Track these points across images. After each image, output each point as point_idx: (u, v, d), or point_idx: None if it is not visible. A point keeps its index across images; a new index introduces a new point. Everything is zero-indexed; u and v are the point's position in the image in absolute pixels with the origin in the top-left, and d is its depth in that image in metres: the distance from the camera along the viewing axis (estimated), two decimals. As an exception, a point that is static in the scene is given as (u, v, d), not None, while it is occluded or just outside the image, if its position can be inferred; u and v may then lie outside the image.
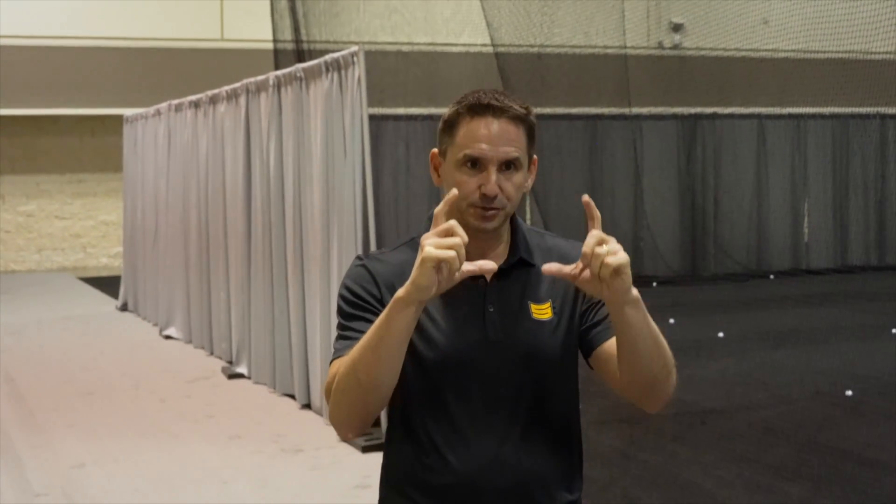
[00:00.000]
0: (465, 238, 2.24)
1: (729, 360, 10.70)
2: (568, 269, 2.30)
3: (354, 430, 2.49)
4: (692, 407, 8.70)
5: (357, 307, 2.52)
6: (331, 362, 2.51)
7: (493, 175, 2.45)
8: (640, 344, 2.37)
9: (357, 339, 2.42)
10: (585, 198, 2.30)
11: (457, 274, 2.25)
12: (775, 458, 7.26)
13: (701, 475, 6.91)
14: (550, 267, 2.31)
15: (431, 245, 2.22)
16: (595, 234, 2.24)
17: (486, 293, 2.54)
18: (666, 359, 2.45)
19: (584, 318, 2.59)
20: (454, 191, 2.31)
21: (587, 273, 2.26)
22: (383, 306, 2.44)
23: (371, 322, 2.41)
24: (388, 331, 2.31)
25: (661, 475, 6.94)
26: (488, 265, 2.29)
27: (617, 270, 2.24)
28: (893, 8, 13.73)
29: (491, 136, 2.45)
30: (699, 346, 11.36)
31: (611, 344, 2.52)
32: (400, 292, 2.28)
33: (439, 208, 2.29)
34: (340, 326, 2.55)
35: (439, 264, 2.22)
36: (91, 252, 23.07)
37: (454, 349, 2.50)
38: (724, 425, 8.19)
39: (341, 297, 2.57)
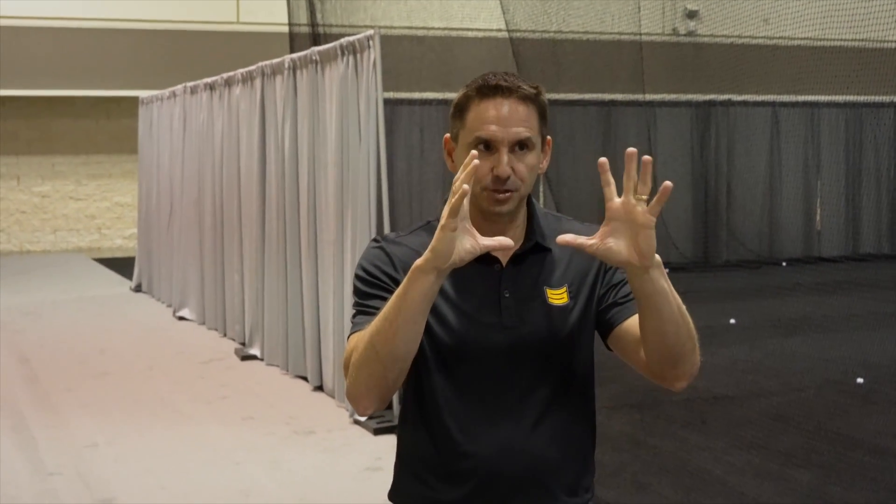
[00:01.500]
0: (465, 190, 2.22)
1: (740, 347, 10.71)
2: (584, 239, 2.28)
3: (372, 403, 2.44)
4: (703, 393, 8.72)
5: (373, 285, 2.52)
6: (348, 337, 2.51)
7: (505, 156, 2.44)
8: (665, 311, 2.33)
9: (374, 314, 2.41)
10: (602, 160, 2.27)
11: (477, 248, 2.24)
12: (785, 445, 7.27)
13: (711, 461, 6.94)
14: (566, 237, 2.29)
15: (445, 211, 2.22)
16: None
17: (501, 278, 2.54)
18: (690, 328, 2.41)
19: (602, 300, 2.58)
20: (475, 161, 2.23)
21: (608, 242, 2.25)
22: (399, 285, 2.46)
23: (388, 299, 2.39)
24: (407, 300, 2.28)
25: (671, 461, 6.96)
26: (506, 241, 2.27)
27: (645, 224, 2.23)
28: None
29: (501, 116, 2.44)
30: (711, 333, 11.36)
31: (631, 323, 2.50)
32: (419, 261, 2.27)
33: (457, 178, 2.25)
34: (357, 304, 2.54)
35: (456, 228, 2.21)
36: (106, 233, 23.15)
37: (469, 334, 2.49)
38: (734, 412, 8.21)
39: (357, 276, 2.57)
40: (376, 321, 2.34)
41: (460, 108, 2.52)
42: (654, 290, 2.30)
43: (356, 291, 2.56)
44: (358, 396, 2.44)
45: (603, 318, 2.58)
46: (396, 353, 2.34)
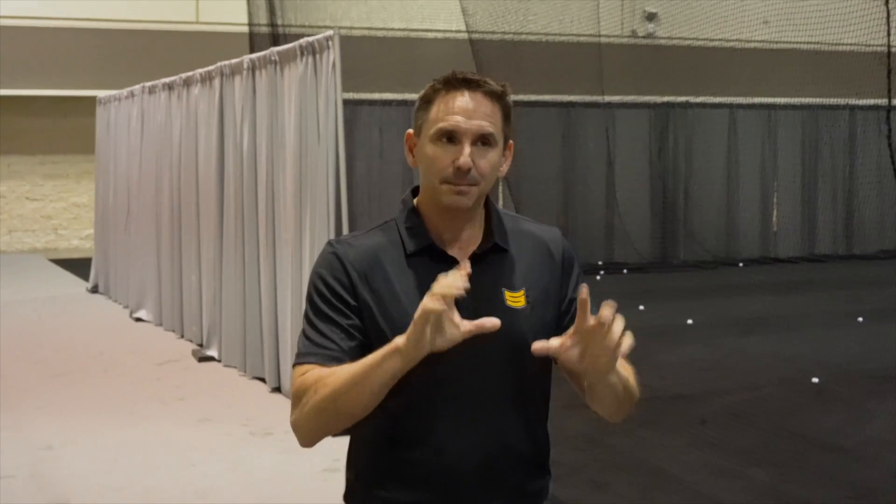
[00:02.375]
0: (460, 287, 2.25)
1: (697, 346, 10.79)
2: (555, 344, 2.31)
3: (315, 441, 2.52)
4: (660, 392, 8.78)
5: (329, 304, 2.49)
6: (295, 363, 2.51)
7: (467, 148, 2.42)
8: (608, 398, 2.47)
9: (325, 346, 2.44)
10: (584, 293, 2.29)
11: (458, 336, 2.27)
12: (742, 443, 7.33)
13: (668, 460, 6.98)
14: (536, 346, 2.31)
15: (428, 297, 2.25)
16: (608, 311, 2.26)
17: (459, 279, 2.53)
18: (632, 396, 2.53)
19: (564, 317, 2.60)
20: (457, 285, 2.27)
21: (572, 352, 2.30)
22: (355, 294, 2.46)
23: (341, 326, 2.45)
24: (375, 375, 2.33)
25: (628, 460, 7.00)
26: (489, 322, 2.29)
27: (607, 366, 2.31)
28: (864, 0, 13.84)
29: (466, 108, 2.43)
30: (668, 333, 11.45)
31: None
32: (399, 340, 2.30)
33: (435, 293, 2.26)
34: (309, 322, 2.52)
35: (428, 317, 2.24)
36: (62, 234, 22.99)
37: None
38: (691, 411, 8.26)
39: (313, 286, 2.54)
40: (342, 381, 2.36)
41: (426, 101, 2.50)
42: (603, 385, 2.42)
43: (311, 303, 2.54)
44: (304, 434, 2.51)
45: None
46: (357, 413, 2.41)
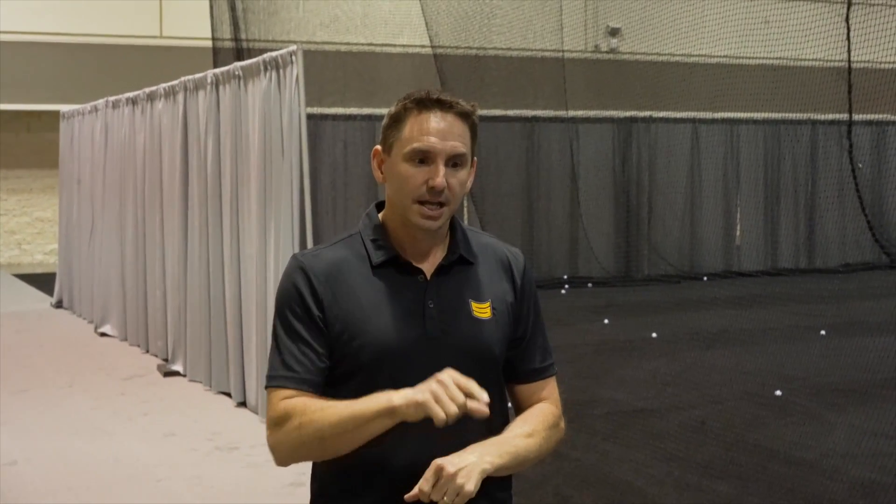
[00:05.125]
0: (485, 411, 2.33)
1: (661, 360, 10.84)
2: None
3: (294, 463, 2.56)
4: (624, 406, 8.82)
5: (299, 320, 2.52)
6: (271, 385, 2.53)
7: (442, 168, 2.46)
8: (525, 466, 2.58)
9: (298, 370, 2.48)
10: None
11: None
12: (705, 456, 7.37)
13: (632, 473, 7.01)
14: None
15: (431, 394, 2.32)
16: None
17: (426, 289, 2.55)
18: (548, 444, 2.64)
19: (517, 335, 2.66)
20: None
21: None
22: (322, 308, 2.49)
23: (312, 347, 2.48)
24: (368, 427, 2.39)
25: (592, 473, 7.02)
26: (480, 410, 2.34)
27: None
28: (822, 16, 14.00)
29: (440, 130, 2.47)
30: (632, 347, 11.50)
31: (526, 389, 2.69)
32: (396, 400, 2.35)
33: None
34: (280, 339, 2.54)
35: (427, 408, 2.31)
36: (26, 249, 22.84)
37: (393, 344, 2.50)
38: (655, 424, 8.30)
39: (283, 301, 2.56)
40: (329, 423, 2.41)
41: (397, 119, 2.53)
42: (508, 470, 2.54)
43: (281, 318, 2.56)
44: (283, 458, 2.53)
45: (510, 360, 2.67)
46: (340, 452, 2.46)
